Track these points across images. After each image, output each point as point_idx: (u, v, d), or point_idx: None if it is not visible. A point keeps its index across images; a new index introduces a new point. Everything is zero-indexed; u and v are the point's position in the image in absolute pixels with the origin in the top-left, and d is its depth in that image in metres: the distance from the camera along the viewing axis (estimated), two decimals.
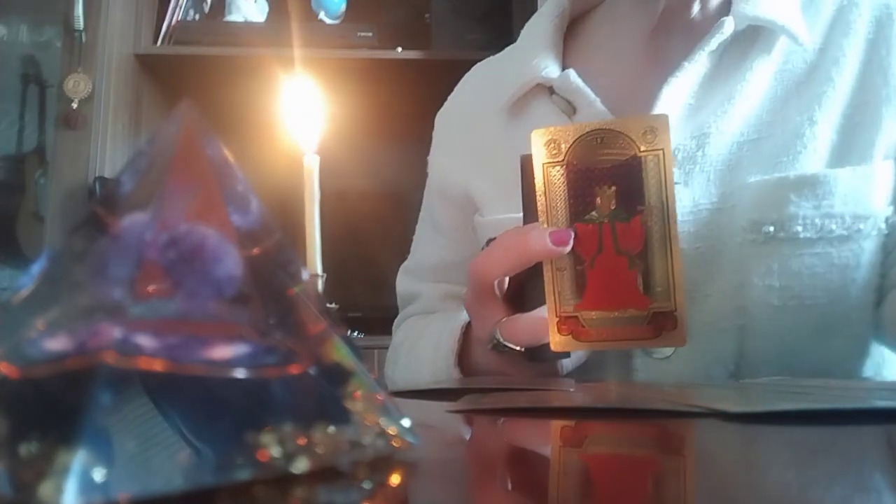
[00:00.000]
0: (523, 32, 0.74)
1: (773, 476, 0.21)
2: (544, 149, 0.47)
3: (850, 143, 0.59)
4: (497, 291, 0.51)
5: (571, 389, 0.44)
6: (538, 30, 0.71)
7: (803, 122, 0.59)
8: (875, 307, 0.58)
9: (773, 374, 0.56)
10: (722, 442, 0.28)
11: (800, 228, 0.57)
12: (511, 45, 0.76)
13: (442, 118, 0.80)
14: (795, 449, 0.26)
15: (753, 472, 0.22)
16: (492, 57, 0.80)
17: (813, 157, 0.59)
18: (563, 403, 0.38)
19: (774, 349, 0.57)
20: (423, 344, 0.67)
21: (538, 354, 0.49)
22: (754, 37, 0.62)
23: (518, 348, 0.49)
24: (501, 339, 0.49)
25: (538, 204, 0.48)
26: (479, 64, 0.81)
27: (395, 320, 0.81)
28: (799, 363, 0.58)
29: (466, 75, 0.81)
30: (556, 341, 0.47)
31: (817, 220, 0.56)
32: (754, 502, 0.19)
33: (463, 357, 0.59)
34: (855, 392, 0.39)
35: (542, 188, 0.47)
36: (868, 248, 0.57)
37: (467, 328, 0.60)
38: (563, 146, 0.47)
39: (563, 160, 0.47)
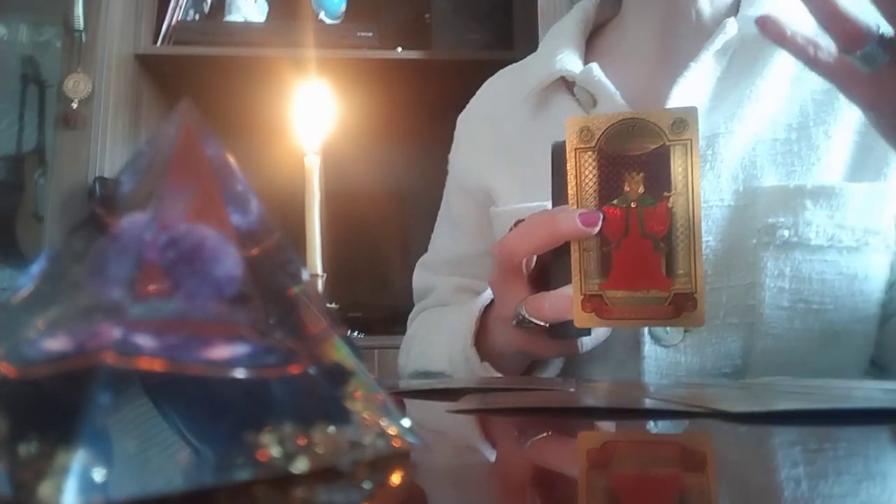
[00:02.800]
0: (547, 36, 0.77)
1: (774, 476, 0.21)
2: (577, 135, 0.49)
3: (864, 161, 0.60)
4: (524, 270, 0.53)
5: (572, 389, 0.44)
6: (562, 32, 0.74)
7: (819, 134, 0.61)
8: (878, 323, 0.60)
9: (777, 374, 0.57)
10: (722, 442, 0.28)
11: (813, 235, 0.58)
12: (533, 53, 0.78)
13: (463, 119, 0.82)
14: (796, 449, 0.26)
15: (754, 471, 0.22)
16: (513, 64, 0.82)
17: (826, 171, 0.60)
18: (563, 404, 0.38)
19: (781, 350, 0.59)
20: (438, 331, 0.68)
21: (561, 331, 0.51)
22: (764, 41, 0.61)
23: (542, 324, 0.51)
24: (526, 316, 0.51)
25: (569, 187, 0.50)
26: (501, 70, 0.83)
27: (410, 314, 0.83)
28: (803, 368, 0.59)
29: (488, 81, 0.83)
30: (580, 318, 0.49)
31: (829, 230, 0.58)
32: (755, 502, 0.19)
33: (480, 340, 0.61)
34: (855, 392, 0.39)
35: (574, 172, 0.50)
36: (876, 263, 0.59)
37: (484, 312, 0.61)
38: (595, 133, 0.49)
39: (594, 146, 0.49)
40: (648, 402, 0.37)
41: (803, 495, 0.19)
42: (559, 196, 0.51)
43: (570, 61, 0.69)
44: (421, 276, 0.82)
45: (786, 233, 0.58)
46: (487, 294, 0.61)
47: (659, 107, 0.62)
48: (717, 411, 0.30)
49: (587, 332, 0.51)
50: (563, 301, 0.49)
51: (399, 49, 1.69)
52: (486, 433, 0.32)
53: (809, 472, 0.22)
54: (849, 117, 0.61)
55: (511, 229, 0.54)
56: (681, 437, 0.29)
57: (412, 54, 1.68)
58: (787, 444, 0.27)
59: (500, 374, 0.59)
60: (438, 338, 0.67)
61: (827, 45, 0.47)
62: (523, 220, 0.53)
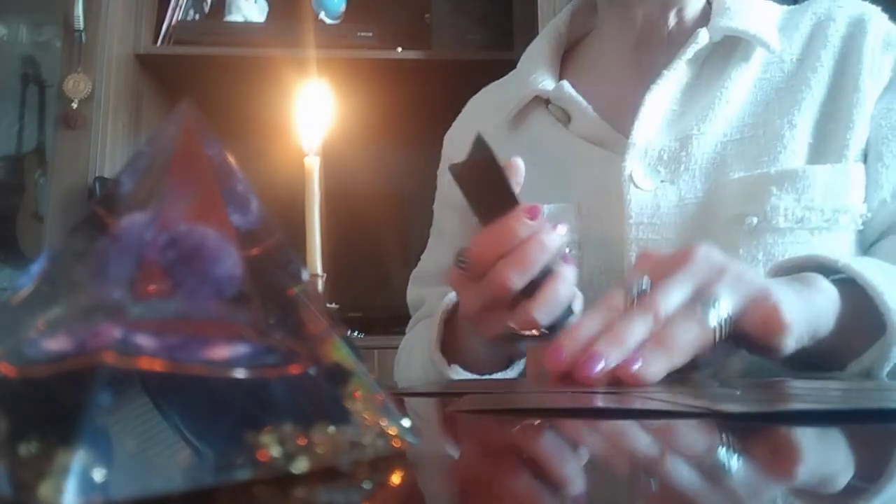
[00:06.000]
0: (523, 57, 0.80)
1: (773, 476, 0.21)
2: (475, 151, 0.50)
3: (826, 145, 0.64)
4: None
5: (571, 391, 0.44)
6: (536, 52, 0.78)
7: (783, 125, 0.65)
8: None
9: (764, 366, 0.58)
10: (722, 442, 0.28)
11: (781, 219, 0.61)
12: (512, 71, 0.82)
13: (449, 138, 0.85)
14: (795, 449, 0.26)
15: (753, 472, 0.22)
16: (495, 82, 0.86)
17: (791, 157, 0.64)
18: (563, 404, 0.38)
19: None
20: (417, 342, 0.72)
21: (554, 327, 0.51)
22: (732, 48, 0.68)
23: (536, 332, 0.51)
24: (519, 332, 0.51)
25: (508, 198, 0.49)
26: (483, 89, 0.87)
27: (408, 326, 0.85)
28: None
29: (472, 99, 0.87)
30: None
31: (798, 212, 0.61)
32: (754, 502, 0.19)
33: (449, 343, 0.62)
34: (855, 392, 0.39)
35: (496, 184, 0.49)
36: (846, 241, 0.62)
37: (450, 317, 0.62)
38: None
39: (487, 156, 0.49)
40: (648, 403, 0.37)
41: (802, 495, 0.19)
42: (489, 211, 0.49)
43: (544, 80, 0.72)
44: (413, 290, 0.85)
45: (753, 220, 0.61)
46: (448, 299, 0.62)
47: (631, 114, 0.66)
48: (717, 411, 0.30)
49: (572, 313, 0.52)
50: (553, 305, 0.49)
51: (399, 49, 1.69)
52: (486, 433, 0.32)
53: (808, 472, 0.22)
54: (809, 105, 0.65)
55: (459, 264, 0.51)
56: (679, 438, 0.29)
57: (412, 54, 1.68)
58: (786, 444, 0.27)
59: (471, 375, 0.60)
60: (417, 348, 0.70)
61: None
62: (462, 257, 0.51)
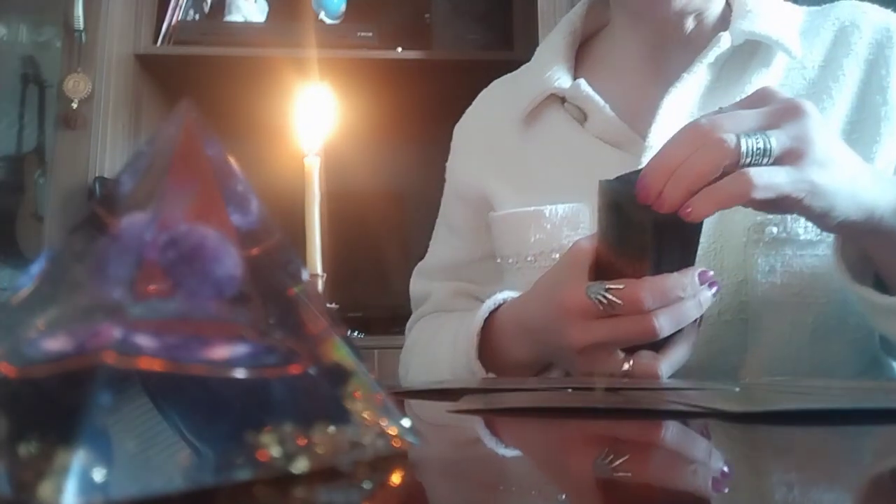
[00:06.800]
0: (538, 51, 0.78)
1: (773, 476, 0.21)
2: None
3: None
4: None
5: (570, 390, 0.44)
6: (551, 47, 0.75)
7: None
8: None
9: (776, 372, 0.58)
10: (722, 442, 0.28)
11: (801, 230, 0.59)
12: (526, 64, 0.80)
13: (460, 129, 0.83)
14: (795, 449, 0.26)
15: (753, 471, 0.22)
16: (507, 75, 0.84)
17: None
18: (563, 404, 0.38)
19: (777, 345, 0.59)
20: (439, 343, 0.68)
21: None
22: (752, 52, 0.66)
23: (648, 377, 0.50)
24: (634, 377, 0.49)
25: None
26: (495, 81, 0.85)
27: (408, 322, 0.84)
28: (800, 363, 0.59)
29: (483, 91, 0.85)
30: None
31: None
32: (754, 502, 0.19)
33: (483, 350, 0.61)
34: (855, 392, 0.39)
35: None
36: None
37: (486, 323, 0.61)
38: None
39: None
40: (648, 402, 0.37)
41: (802, 495, 0.19)
42: (660, 257, 0.48)
43: (560, 77, 0.70)
44: (418, 283, 0.83)
45: (774, 229, 0.59)
46: (486, 307, 0.61)
47: (649, 116, 0.64)
48: (717, 411, 0.30)
49: None
50: (678, 364, 0.49)
51: (399, 49, 1.68)
52: (486, 433, 0.32)
53: (808, 471, 0.22)
54: (831, 114, 0.63)
55: (599, 297, 0.49)
56: (680, 437, 0.29)
57: (412, 54, 1.68)
58: (787, 443, 0.27)
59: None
60: (440, 351, 0.67)
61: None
62: (606, 293, 0.48)
